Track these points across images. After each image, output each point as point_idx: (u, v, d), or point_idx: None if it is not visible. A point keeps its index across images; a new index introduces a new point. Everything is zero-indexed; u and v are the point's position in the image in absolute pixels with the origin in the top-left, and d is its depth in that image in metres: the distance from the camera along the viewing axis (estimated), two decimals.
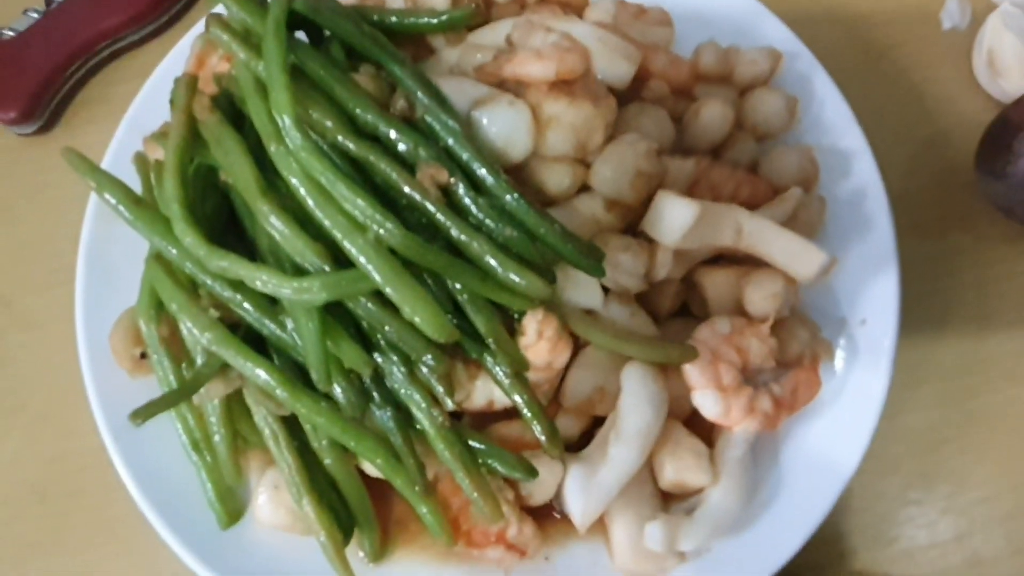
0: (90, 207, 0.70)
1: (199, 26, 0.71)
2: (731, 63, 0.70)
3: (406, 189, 0.51)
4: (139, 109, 0.73)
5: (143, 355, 0.61)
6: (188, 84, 0.58)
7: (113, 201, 0.56)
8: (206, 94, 0.57)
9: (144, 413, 0.53)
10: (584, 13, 0.69)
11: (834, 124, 0.71)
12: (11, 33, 0.83)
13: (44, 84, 0.81)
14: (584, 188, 0.62)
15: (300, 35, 0.59)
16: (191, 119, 0.56)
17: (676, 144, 0.66)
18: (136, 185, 0.62)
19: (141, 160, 0.65)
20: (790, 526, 0.61)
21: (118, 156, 0.71)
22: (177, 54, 0.73)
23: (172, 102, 0.59)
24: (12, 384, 0.76)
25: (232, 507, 0.62)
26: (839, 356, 0.65)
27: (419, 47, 0.63)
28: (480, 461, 0.57)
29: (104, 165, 0.71)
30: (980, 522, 0.69)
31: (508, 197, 0.52)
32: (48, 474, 0.73)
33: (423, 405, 0.54)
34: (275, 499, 0.60)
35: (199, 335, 0.54)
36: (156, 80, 0.73)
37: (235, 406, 0.59)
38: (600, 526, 0.62)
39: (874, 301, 0.66)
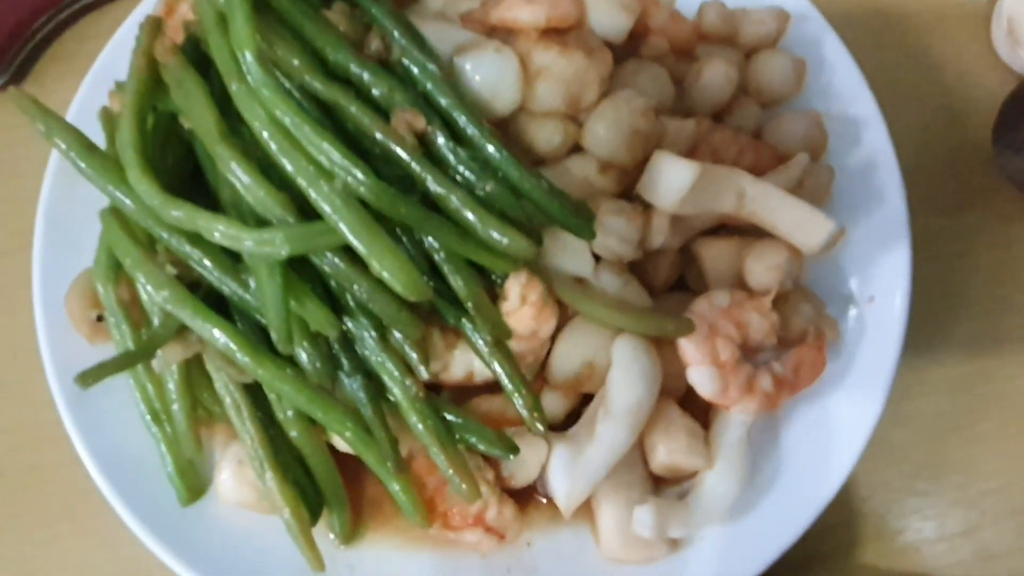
0: (51, 165, 0.66)
1: None
2: (736, 23, 0.67)
3: (379, 136, 0.47)
4: (106, 64, 0.69)
5: (100, 318, 0.58)
6: (151, 26, 0.54)
7: (64, 146, 0.52)
8: (168, 36, 0.53)
9: (93, 376, 0.49)
10: None
11: (844, 90, 0.68)
12: None
13: (9, 38, 0.77)
14: (576, 149, 0.58)
15: None
16: (152, 62, 0.52)
17: (676, 106, 0.63)
18: (102, 142, 0.59)
19: (107, 114, 0.61)
20: (789, 514, 0.58)
21: (83, 111, 0.67)
22: (147, 7, 0.70)
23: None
24: None
25: (193, 483, 0.59)
26: (845, 335, 0.62)
27: None
28: (457, 436, 0.53)
29: (68, 120, 0.67)
30: (991, 515, 0.66)
31: (490, 148, 0.48)
32: (4, 447, 0.69)
33: (395, 374, 0.51)
34: (239, 474, 0.57)
35: (155, 293, 0.50)
36: (124, 34, 0.70)
37: (196, 373, 0.55)
38: (586, 510, 0.59)
39: (883, 278, 0.63)
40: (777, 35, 0.67)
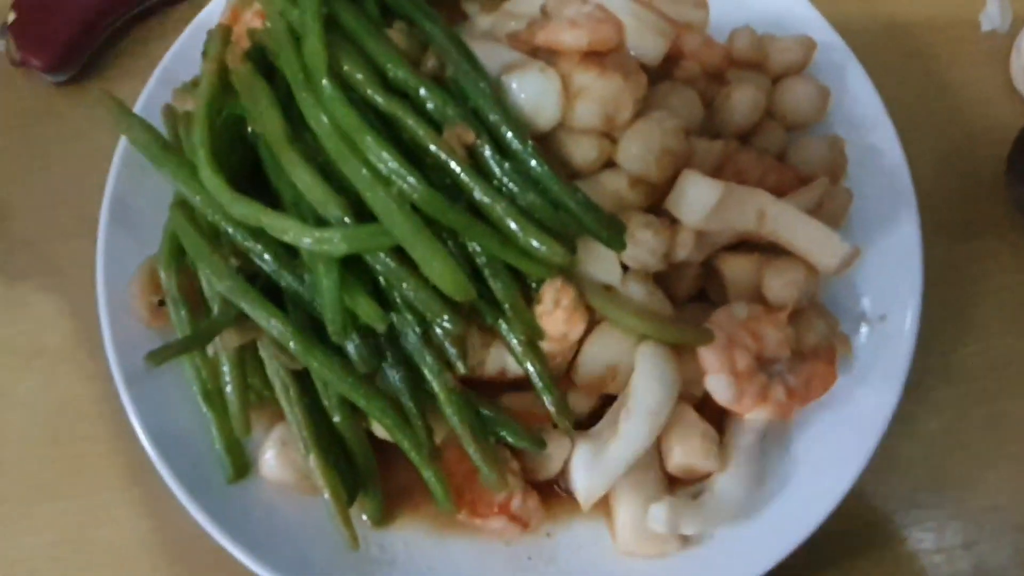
0: (117, 155, 0.70)
1: None
2: (765, 50, 0.70)
3: (432, 148, 0.51)
4: (172, 62, 0.72)
5: (161, 303, 0.62)
6: (222, 34, 0.58)
7: (141, 143, 0.56)
8: (239, 44, 0.57)
9: (159, 356, 0.53)
10: None
11: (865, 118, 0.70)
12: None
13: (80, 33, 0.81)
14: (609, 164, 0.61)
15: None
16: (223, 68, 0.57)
17: (705, 127, 0.66)
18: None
19: (170, 112, 0.66)
20: (795, 519, 0.61)
21: (148, 108, 0.70)
22: (212, 9, 0.73)
23: (205, 52, 0.59)
24: (32, 326, 0.76)
25: (240, 461, 0.62)
26: (856, 351, 0.64)
27: (453, 12, 0.63)
28: (488, 429, 0.57)
29: None
30: (989, 530, 0.68)
31: (533, 162, 0.52)
32: (62, 417, 0.73)
33: (435, 368, 0.54)
34: (282, 455, 0.60)
35: (217, 283, 0.54)
36: (190, 34, 0.73)
37: (248, 358, 0.59)
38: (604, 505, 0.62)
39: (896, 298, 0.65)
40: (804, 62, 0.70)
